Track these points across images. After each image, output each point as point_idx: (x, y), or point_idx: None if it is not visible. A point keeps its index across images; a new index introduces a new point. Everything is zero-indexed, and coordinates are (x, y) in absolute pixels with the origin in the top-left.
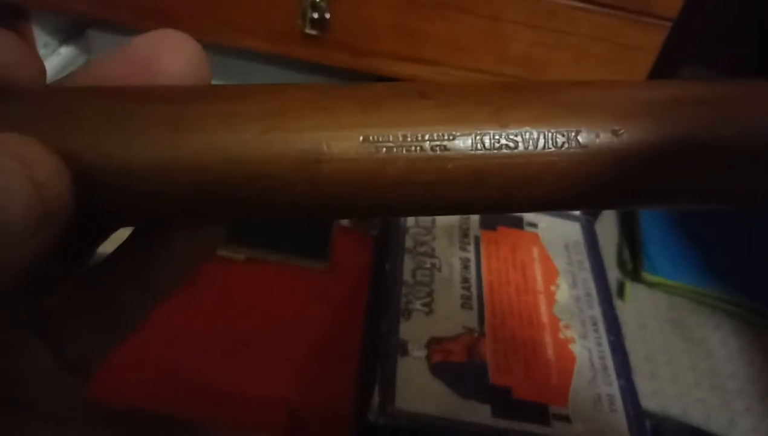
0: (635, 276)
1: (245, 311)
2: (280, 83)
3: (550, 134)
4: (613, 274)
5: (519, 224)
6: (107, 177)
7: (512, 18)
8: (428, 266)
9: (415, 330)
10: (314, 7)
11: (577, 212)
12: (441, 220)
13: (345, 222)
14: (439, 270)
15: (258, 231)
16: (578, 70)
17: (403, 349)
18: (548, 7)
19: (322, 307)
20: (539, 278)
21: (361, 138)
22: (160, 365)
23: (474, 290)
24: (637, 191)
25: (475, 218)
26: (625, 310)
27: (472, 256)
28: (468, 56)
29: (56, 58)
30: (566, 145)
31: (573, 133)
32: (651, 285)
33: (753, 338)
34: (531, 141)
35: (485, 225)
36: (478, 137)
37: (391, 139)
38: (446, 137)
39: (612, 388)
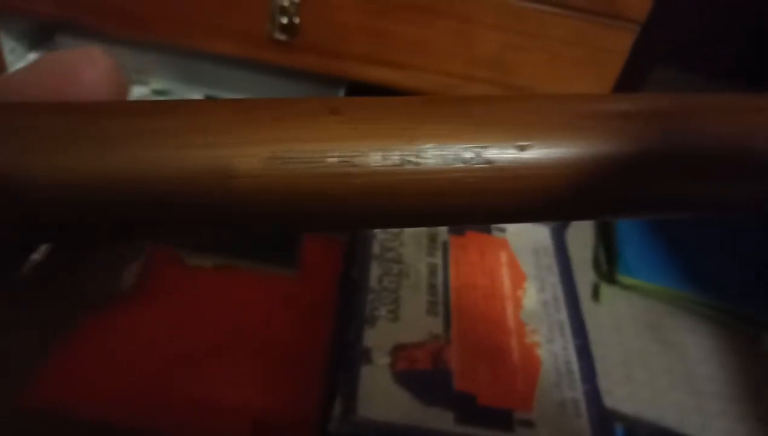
0: (610, 278)
1: (214, 319)
2: (205, 99)
3: (456, 150)
4: (589, 276)
5: (487, 228)
6: (25, 193)
7: (482, 21)
8: (395, 272)
9: (379, 337)
10: (283, 12)
11: None
12: None
13: None
14: (407, 276)
15: (227, 239)
16: (549, 72)
17: (367, 356)
18: (518, 11)
19: (290, 314)
20: (507, 282)
21: (269, 154)
22: (127, 375)
23: (441, 295)
24: (550, 206)
25: None
26: (600, 312)
27: (439, 261)
28: (439, 59)
29: (24, 64)
30: (473, 161)
31: (479, 149)
32: (626, 287)
33: (728, 341)
34: (438, 157)
35: (454, 230)
36: (384, 153)
37: (298, 155)
38: (353, 153)
39: (577, 392)
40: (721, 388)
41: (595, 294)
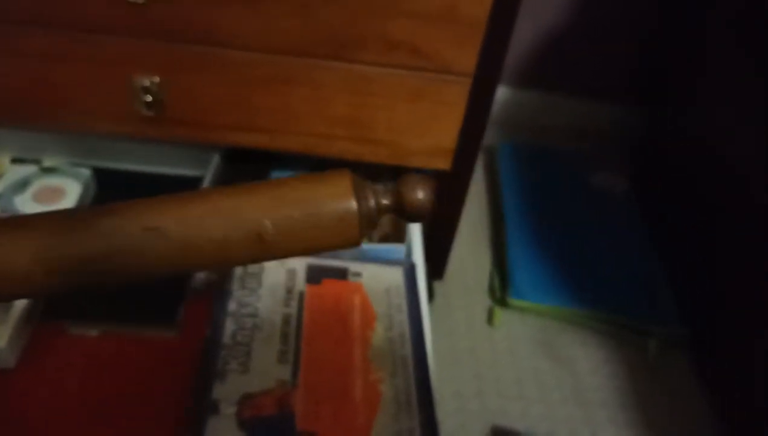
0: (503, 302)
1: (97, 386)
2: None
3: None
4: (486, 302)
5: (344, 275)
6: None
7: (332, 86)
8: (249, 326)
9: (228, 389)
10: (146, 91)
11: (400, 257)
12: (268, 280)
13: (198, 285)
14: (260, 329)
15: (109, 306)
16: (401, 125)
17: (214, 409)
18: (362, 74)
19: (171, 374)
20: (358, 324)
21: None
22: None
23: (292, 343)
24: None
25: (301, 274)
26: (495, 336)
27: (294, 311)
28: (299, 122)
29: None
30: None
31: None
32: (521, 310)
33: (617, 350)
34: None
35: (311, 280)
36: None
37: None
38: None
39: (413, 422)
40: (610, 397)
41: (490, 319)
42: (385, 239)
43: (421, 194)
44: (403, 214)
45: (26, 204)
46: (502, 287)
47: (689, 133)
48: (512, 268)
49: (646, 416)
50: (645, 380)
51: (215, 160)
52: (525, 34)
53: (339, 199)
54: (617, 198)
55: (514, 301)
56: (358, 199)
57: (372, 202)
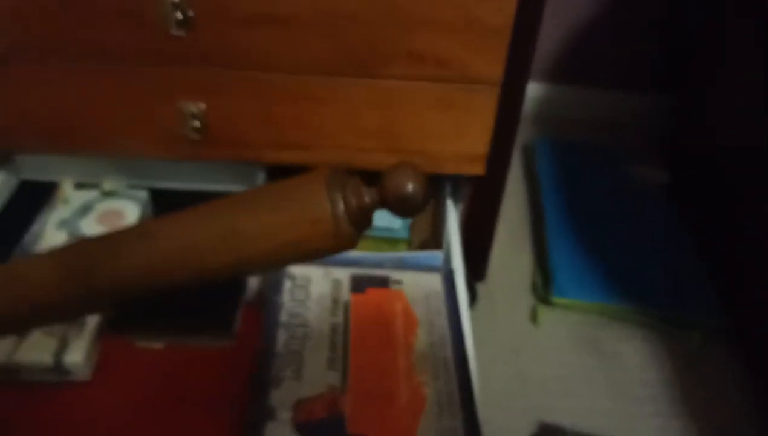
0: (546, 300)
1: (163, 395)
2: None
3: None
4: (528, 301)
5: (385, 283)
6: None
7: (359, 100)
8: (300, 335)
9: (284, 396)
10: (194, 117)
11: (439, 264)
12: (315, 291)
13: (251, 298)
14: (310, 337)
15: (172, 320)
16: (432, 135)
17: (272, 415)
18: (391, 88)
19: (230, 381)
20: (401, 330)
21: None
22: None
23: (340, 351)
24: None
25: (346, 284)
26: (539, 334)
27: (341, 320)
28: (333, 137)
29: None
30: None
31: None
32: (564, 307)
33: (663, 344)
34: None
35: (355, 289)
36: None
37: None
38: None
39: (456, 421)
40: (655, 391)
41: (534, 317)
42: (424, 245)
43: (410, 187)
44: (393, 208)
45: (91, 227)
46: (544, 285)
47: (715, 122)
48: (554, 266)
49: (691, 409)
50: (690, 373)
51: (261, 175)
52: (552, 30)
53: (310, 197)
54: (654, 191)
55: (556, 299)
56: (332, 196)
57: (352, 199)
